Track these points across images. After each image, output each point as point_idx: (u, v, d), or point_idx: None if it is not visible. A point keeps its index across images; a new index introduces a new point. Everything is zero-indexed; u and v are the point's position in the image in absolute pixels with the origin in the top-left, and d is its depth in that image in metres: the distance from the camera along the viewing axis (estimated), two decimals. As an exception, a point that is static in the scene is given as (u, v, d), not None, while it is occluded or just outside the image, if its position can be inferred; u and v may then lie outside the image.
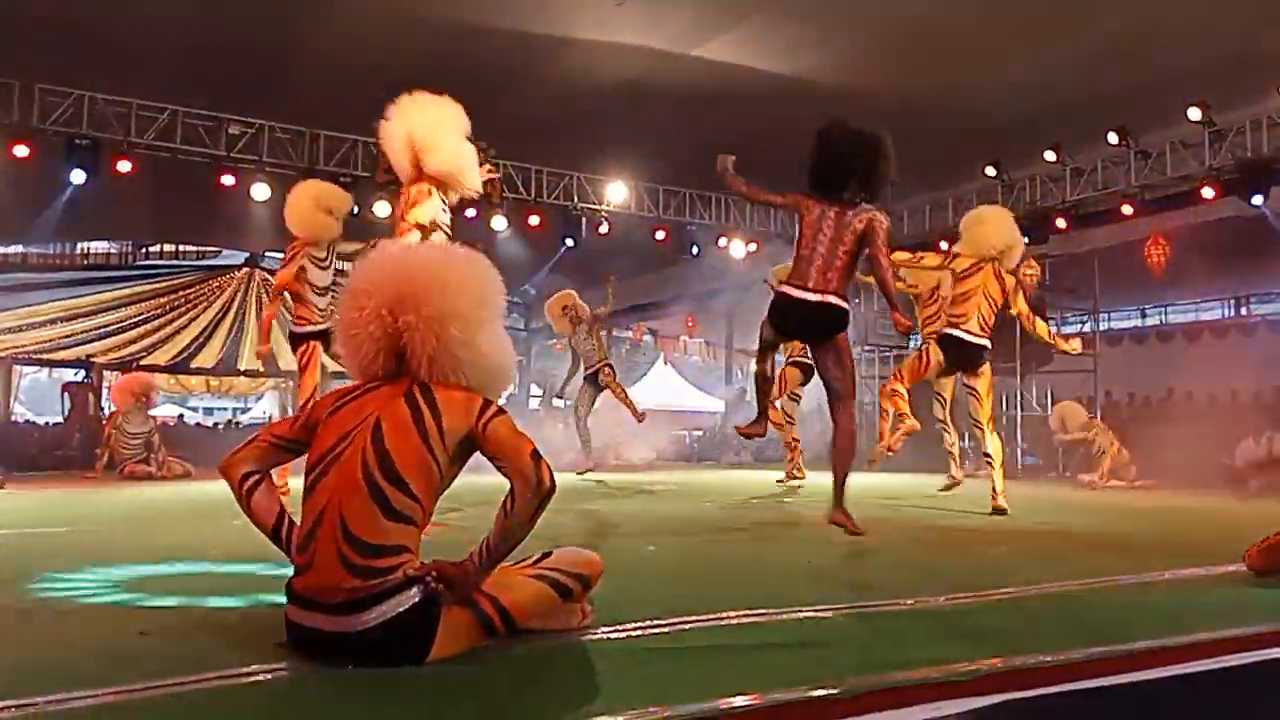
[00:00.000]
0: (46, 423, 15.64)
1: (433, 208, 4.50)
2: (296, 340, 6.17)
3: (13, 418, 16.33)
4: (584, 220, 13.80)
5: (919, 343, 8.18)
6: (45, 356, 16.66)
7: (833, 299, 4.63)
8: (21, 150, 10.62)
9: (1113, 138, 11.49)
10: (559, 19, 10.01)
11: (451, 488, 2.24)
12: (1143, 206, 11.85)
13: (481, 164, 4.81)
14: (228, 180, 11.76)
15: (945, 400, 7.28)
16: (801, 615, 2.67)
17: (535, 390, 21.31)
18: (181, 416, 20.66)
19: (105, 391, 16.13)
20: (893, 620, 2.70)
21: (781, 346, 6.72)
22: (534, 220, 13.39)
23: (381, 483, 2.06)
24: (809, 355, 8.19)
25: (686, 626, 2.47)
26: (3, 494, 7.47)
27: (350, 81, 10.93)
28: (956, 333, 6.32)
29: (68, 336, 16.48)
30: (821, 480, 5.45)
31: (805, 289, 4.64)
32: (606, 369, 9.54)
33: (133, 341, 16.70)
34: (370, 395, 2.22)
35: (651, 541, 4.69)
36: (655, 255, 15.28)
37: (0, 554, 3.96)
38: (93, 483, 9.12)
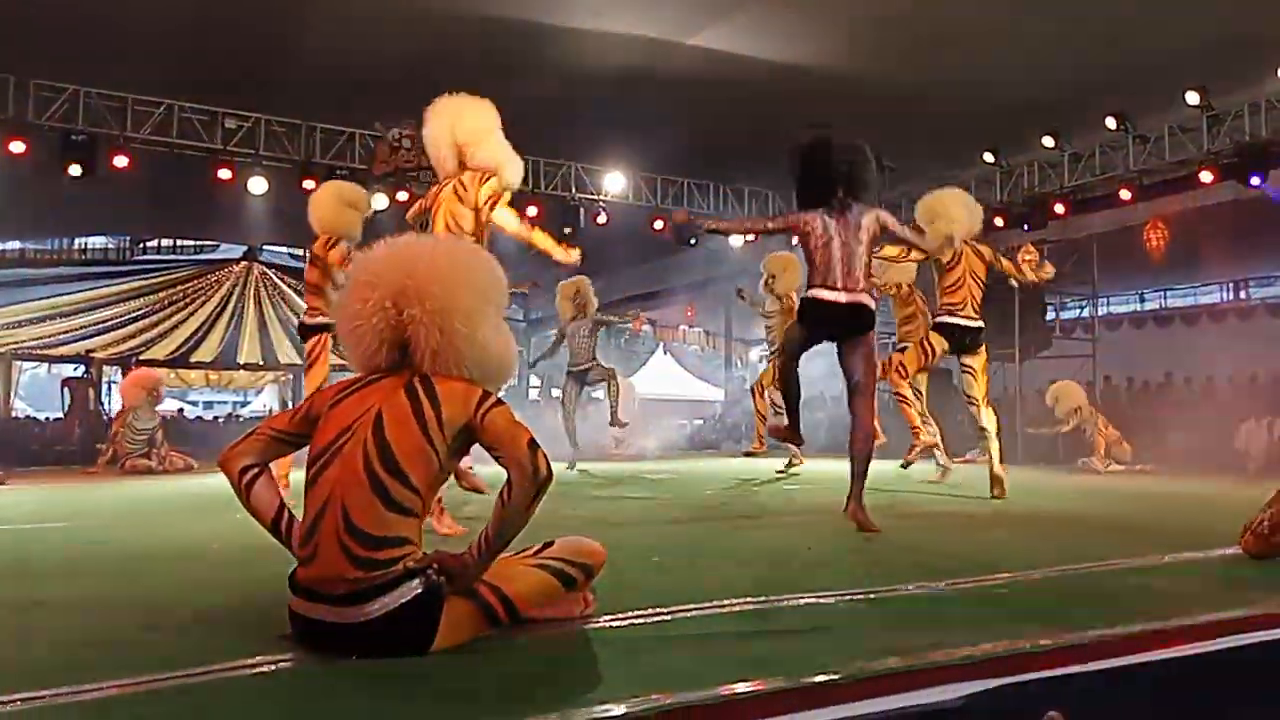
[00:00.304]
0: (46, 418, 15.67)
1: (484, 190, 4.52)
2: (309, 331, 6.14)
3: (13, 414, 16.35)
4: (582, 210, 13.78)
5: (895, 343, 8.49)
6: (44, 352, 16.66)
7: (863, 298, 4.78)
8: (17, 146, 10.61)
9: (1111, 122, 11.48)
10: (554, 8, 9.96)
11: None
12: (1141, 191, 11.84)
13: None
14: (224, 174, 11.75)
15: (921, 394, 7.38)
16: (803, 601, 2.68)
17: (534, 381, 21.31)
18: (181, 411, 20.69)
19: (105, 387, 16.16)
20: (895, 605, 2.71)
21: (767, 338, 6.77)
22: (532, 211, 13.35)
23: (382, 474, 2.07)
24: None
25: (689, 615, 2.48)
26: (4, 490, 7.49)
27: (346, 74, 10.94)
28: (956, 320, 6.54)
29: (67, 332, 16.46)
30: (819, 468, 5.46)
31: (836, 290, 4.75)
32: (599, 369, 9.52)
33: (132, 336, 16.67)
34: (372, 387, 2.22)
35: (652, 530, 4.72)
36: (654, 245, 15.27)
37: (2, 549, 3.96)
38: (94, 478, 9.12)
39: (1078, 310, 16.98)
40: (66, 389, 14.07)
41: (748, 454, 9.73)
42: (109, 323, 16.87)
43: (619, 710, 1.64)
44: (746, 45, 10.67)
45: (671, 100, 11.38)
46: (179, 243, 18.75)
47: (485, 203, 4.48)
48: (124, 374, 15.92)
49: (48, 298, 17.07)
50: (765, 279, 8.86)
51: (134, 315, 17.19)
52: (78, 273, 17.76)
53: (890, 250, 6.29)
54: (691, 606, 2.54)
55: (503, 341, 2.33)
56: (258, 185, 11.91)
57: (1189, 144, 11.24)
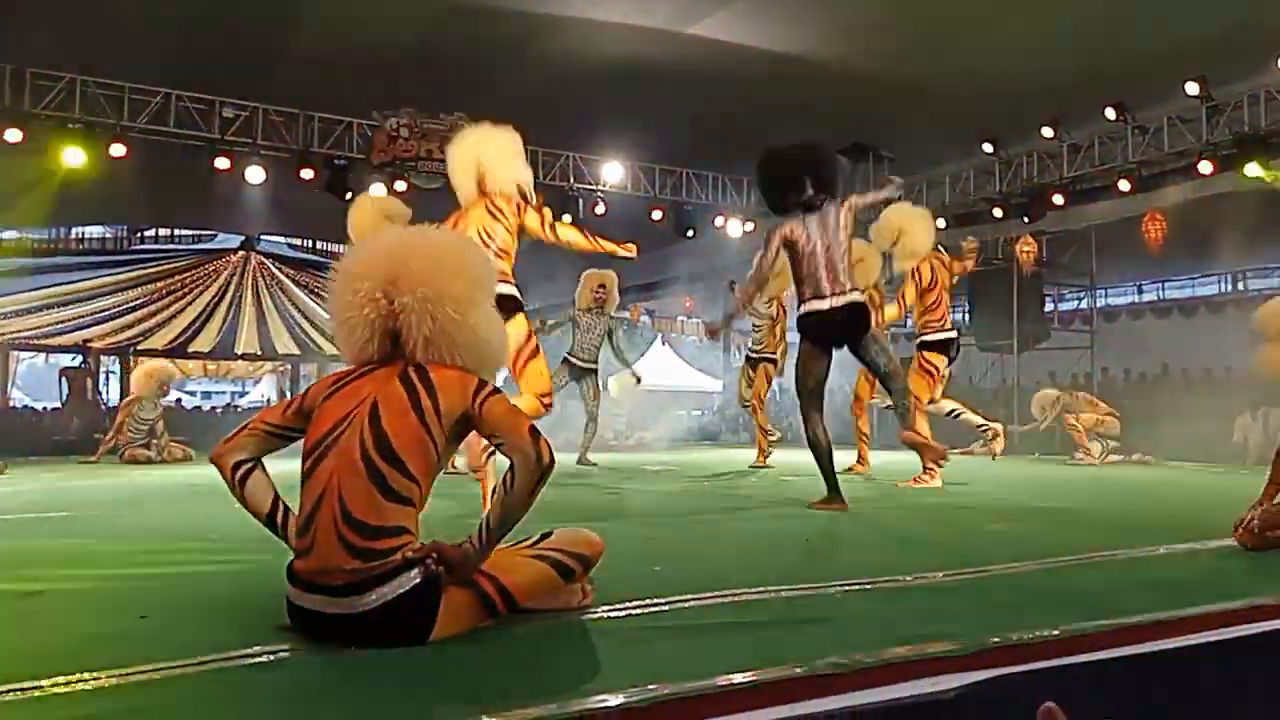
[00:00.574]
0: (44, 408, 15.65)
1: (531, 219, 4.77)
2: None
3: (10, 403, 16.33)
4: (580, 201, 13.75)
5: None
6: (42, 342, 16.62)
7: (853, 296, 4.87)
8: (14, 135, 10.57)
9: (1110, 113, 11.46)
10: (552, -2, 9.95)
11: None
12: (1140, 182, 11.82)
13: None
14: (222, 163, 11.71)
15: (920, 399, 7.39)
16: (801, 592, 2.68)
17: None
18: (179, 400, 20.65)
19: (103, 376, 16.14)
20: (892, 596, 2.72)
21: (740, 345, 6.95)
22: (530, 201, 13.34)
23: (379, 463, 2.07)
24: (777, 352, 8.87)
25: (687, 605, 2.48)
26: (3, 479, 7.48)
27: (344, 63, 10.90)
28: (949, 335, 7.01)
29: (64, 322, 16.41)
30: (806, 463, 5.46)
31: (825, 297, 4.84)
32: (593, 385, 9.41)
33: (129, 326, 16.62)
34: (366, 378, 2.22)
35: (650, 521, 4.73)
36: (652, 235, 15.23)
37: (1, 538, 3.96)
38: (93, 467, 9.12)
39: (1076, 302, 17.01)
40: (64, 379, 14.06)
41: (754, 467, 9.06)
42: (106, 312, 16.82)
43: (616, 700, 1.65)
44: (745, 35, 10.64)
45: (670, 90, 11.36)
46: (176, 232, 18.67)
47: (547, 228, 4.75)
48: (122, 364, 15.96)
49: (45, 287, 17.03)
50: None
51: (131, 305, 17.14)
52: (75, 262, 17.69)
53: (891, 312, 7.02)
54: (689, 597, 2.55)
55: (494, 328, 2.33)
56: (255, 175, 11.87)
57: (1188, 135, 11.22)
